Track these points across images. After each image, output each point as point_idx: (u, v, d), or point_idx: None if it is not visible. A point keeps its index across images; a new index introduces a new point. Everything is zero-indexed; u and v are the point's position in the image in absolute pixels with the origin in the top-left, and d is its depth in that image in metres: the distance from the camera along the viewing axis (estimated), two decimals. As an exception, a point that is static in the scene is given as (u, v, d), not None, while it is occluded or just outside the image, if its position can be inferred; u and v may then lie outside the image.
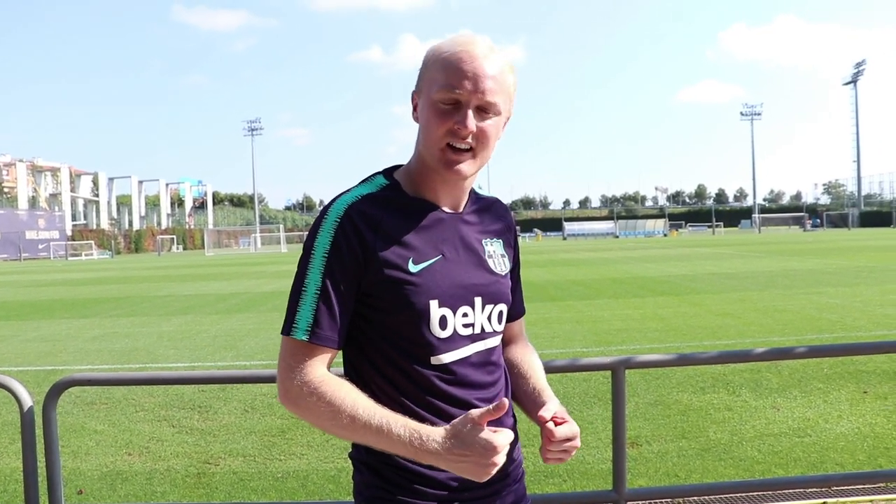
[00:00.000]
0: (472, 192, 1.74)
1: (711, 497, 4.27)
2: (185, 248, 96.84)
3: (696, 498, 4.24)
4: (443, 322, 1.58)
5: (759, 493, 4.25)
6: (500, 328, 1.71)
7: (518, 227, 1.94)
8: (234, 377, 5.20)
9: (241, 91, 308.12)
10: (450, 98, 1.53)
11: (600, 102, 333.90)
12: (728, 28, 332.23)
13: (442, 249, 1.61)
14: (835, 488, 4.22)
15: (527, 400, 1.75)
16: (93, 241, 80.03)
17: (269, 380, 3.82)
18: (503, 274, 1.72)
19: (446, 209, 1.66)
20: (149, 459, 5.58)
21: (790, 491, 4.20)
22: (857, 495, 4.17)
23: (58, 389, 3.27)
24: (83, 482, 5.09)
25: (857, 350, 4.75)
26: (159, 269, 38.22)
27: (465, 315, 1.61)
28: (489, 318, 1.67)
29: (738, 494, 4.28)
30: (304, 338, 1.53)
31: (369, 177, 1.69)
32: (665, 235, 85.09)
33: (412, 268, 1.57)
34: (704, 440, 5.58)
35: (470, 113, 1.53)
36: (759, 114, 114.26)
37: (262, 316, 14.60)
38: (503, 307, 1.71)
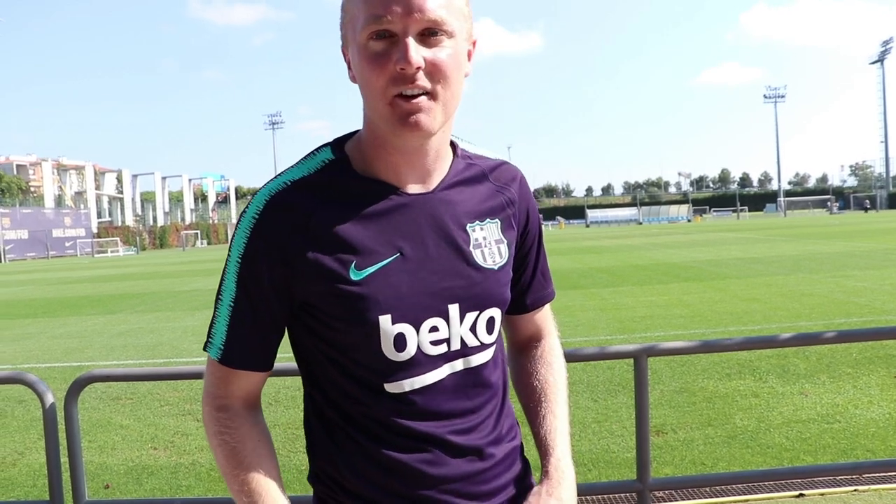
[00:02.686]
0: (457, 156, 1.32)
1: (738, 485, 4.20)
2: (209, 243, 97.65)
3: (722, 486, 4.17)
4: (399, 342, 1.22)
5: (788, 480, 4.17)
6: (491, 339, 1.31)
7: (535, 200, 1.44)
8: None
9: (260, 85, 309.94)
10: (379, 31, 1.13)
11: (621, 87, 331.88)
12: (749, 9, 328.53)
13: (400, 245, 1.22)
14: (866, 476, 4.13)
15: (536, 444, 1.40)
16: (118, 238, 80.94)
17: (293, 373, 3.82)
18: (496, 267, 1.30)
19: (410, 189, 1.25)
20: (174, 454, 5.61)
21: (819, 479, 4.11)
22: (890, 482, 4.08)
23: (78, 386, 3.28)
24: (109, 477, 5.13)
25: (888, 334, 4.63)
26: (184, 264, 38.53)
27: (433, 330, 1.24)
28: (473, 329, 1.28)
29: (765, 482, 4.20)
30: (216, 357, 1.28)
31: (313, 151, 1.29)
32: (689, 221, 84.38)
33: (354, 274, 1.20)
34: (731, 427, 5.51)
35: (411, 42, 1.12)
36: (782, 96, 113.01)
37: (285, 309, 14.63)
38: (495, 312, 1.31)
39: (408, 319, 1.22)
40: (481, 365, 1.31)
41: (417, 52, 1.12)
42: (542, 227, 1.48)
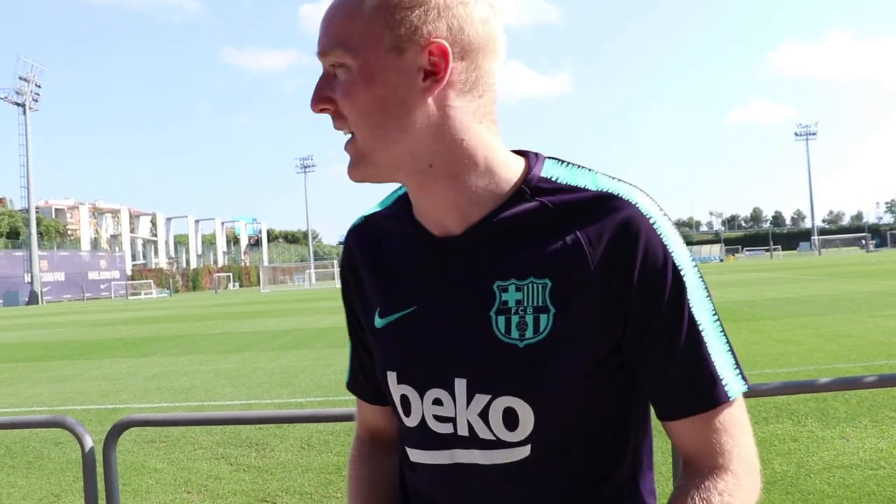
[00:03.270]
0: (527, 187, 1.00)
1: (780, 533, 4.09)
2: (241, 286, 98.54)
3: (764, 534, 4.07)
4: (405, 404, 1.08)
5: (831, 528, 4.06)
6: (513, 436, 0.99)
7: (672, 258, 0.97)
8: (290, 416, 5.21)
9: (292, 129, 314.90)
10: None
11: (651, 127, 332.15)
12: (777, 47, 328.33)
13: (419, 297, 1.06)
14: (912, 523, 4.02)
15: None
16: (152, 280, 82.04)
17: (325, 419, 3.83)
18: (521, 344, 0.97)
19: (445, 231, 1.03)
20: (207, 497, 5.62)
21: (864, 527, 4.00)
22: (937, 531, 3.96)
23: (117, 431, 3.32)
24: (144, 521, 5.14)
25: (930, 377, 4.54)
26: (216, 307, 38.88)
27: (437, 402, 1.03)
28: (486, 418, 1.00)
29: (808, 530, 4.09)
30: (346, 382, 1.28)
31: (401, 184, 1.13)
32: (721, 261, 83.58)
33: (377, 322, 1.10)
34: (770, 473, 5.39)
35: (320, 81, 0.97)
36: (813, 133, 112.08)
37: (317, 352, 14.69)
38: (514, 402, 0.98)
39: (411, 382, 1.06)
40: (500, 468, 1.01)
41: (317, 90, 0.97)
42: (685, 293, 0.97)
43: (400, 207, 1.11)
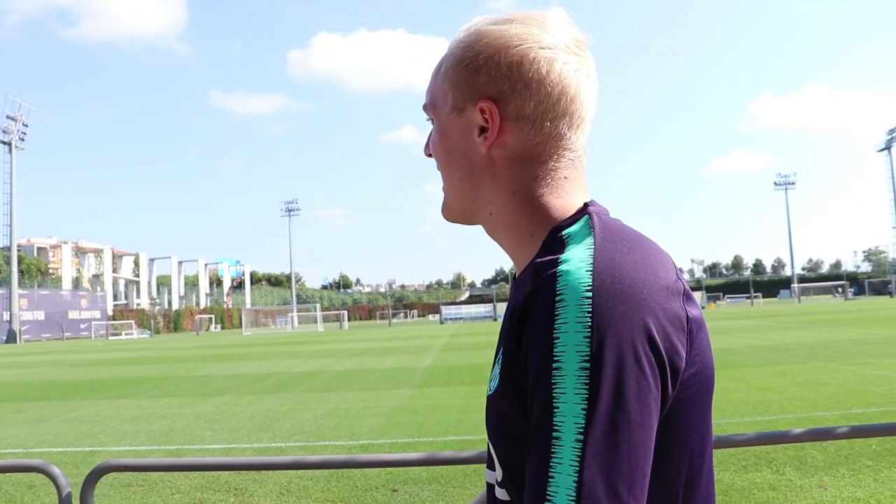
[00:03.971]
0: (546, 242, 1.01)
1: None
2: (223, 328, 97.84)
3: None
4: None
5: (808, 578, 4.09)
6: (495, 475, 1.04)
7: (558, 319, 0.87)
8: (269, 464, 5.19)
9: (277, 172, 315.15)
10: None
11: (631, 176, 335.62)
12: (757, 98, 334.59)
13: None
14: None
15: None
16: (133, 321, 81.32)
17: (305, 466, 3.83)
18: (489, 391, 1.02)
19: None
20: (184, 544, 5.55)
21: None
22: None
23: (95, 475, 3.31)
24: (119, 568, 5.07)
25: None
26: (197, 349, 38.54)
27: None
28: (489, 448, 1.07)
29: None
30: None
31: None
32: (703, 308, 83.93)
33: None
34: (749, 522, 5.41)
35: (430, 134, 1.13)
36: (792, 183, 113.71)
37: (298, 396, 14.60)
38: (491, 443, 1.03)
39: None
40: (501, 499, 1.03)
41: (427, 140, 1.13)
42: (550, 388, 0.85)
43: None
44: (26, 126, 78.96)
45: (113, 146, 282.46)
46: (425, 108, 1.10)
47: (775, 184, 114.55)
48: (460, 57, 1.05)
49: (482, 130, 1.04)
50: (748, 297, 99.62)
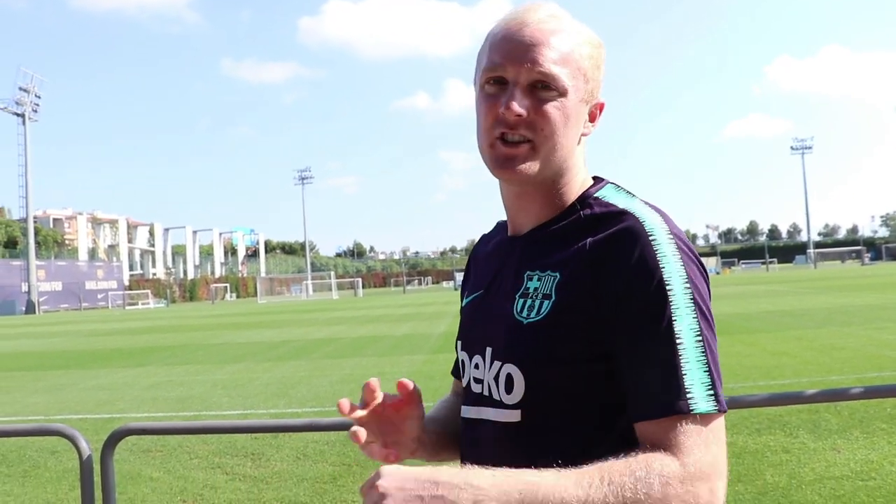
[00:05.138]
0: (578, 202, 1.24)
1: (769, 543, 4.13)
2: (238, 296, 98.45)
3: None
4: (463, 367, 1.34)
5: (820, 538, 4.10)
6: (508, 399, 1.18)
7: (661, 268, 1.08)
8: (285, 426, 5.27)
9: (290, 141, 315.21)
10: (494, 77, 1.19)
11: (649, 142, 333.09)
12: (773, 62, 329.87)
13: (488, 283, 1.32)
14: (899, 534, 4.06)
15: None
16: (149, 291, 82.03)
17: (321, 428, 3.88)
18: (524, 321, 1.17)
19: (511, 233, 1.32)
20: (203, 507, 5.65)
21: (852, 537, 4.03)
22: (924, 541, 4.01)
23: (115, 439, 3.36)
24: (139, 530, 5.17)
25: (918, 389, 4.60)
26: (213, 318, 38.87)
27: (476, 367, 1.28)
28: (496, 380, 1.21)
29: (797, 540, 4.13)
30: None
31: None
32: (718, 273, 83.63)
33: (463, 301, 1.42)
34: (761, 484, 5.44)
35: (518, 92, 1.16)
36: (809, 147, 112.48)
37: (313, 363, 14.73)
38: (512, 369, 1.18)
39: (466, 349, 1.33)
40: (501, 426, 1.19)
41: (522, 102, 1.16)
42: (668, 308, 1.06)
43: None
44: (39, 97, 79.05)
45: (126, 116, 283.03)
46: (555, 80, 1.17)
47: (792, 148, 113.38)
48: (594, 55, 1.24)
49: (591, 118, 1.27)
50: (763, 263, 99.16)
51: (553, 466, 1.00)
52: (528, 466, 1.05)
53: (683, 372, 1.03)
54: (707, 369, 1.05)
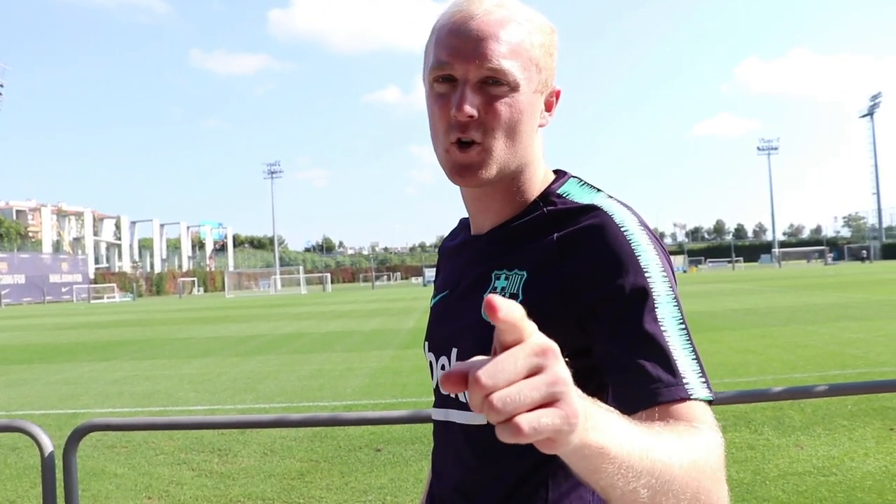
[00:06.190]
0: (541, 199, 1.21)
1: (734, 538, 4.18)
2: (205, 291, 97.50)
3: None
4: (431, 369, 1.33)
5: (783, 534, 4.16)
6: None
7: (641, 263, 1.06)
8: (252, 421, 5.22)
9: (260, 134, 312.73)
10: (442, 75, 1.13)
11: (617, 138, 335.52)
12: (742, 63, 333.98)
13: (454, 283, 1.30)
14: (860, 529, 4.13)
15: None
16: (115, 284, 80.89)
17: (288, 424, 3.84)
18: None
19: (479, 230, 1.28)
20: (168, 503, 5.59)
21: (814, 532, 4.10)
22: (884, 536, 4.08)
23: (77, 435, 3.30)
24: (103, 527, 5.09)
25: (879, 388, 4.69)
26: (180, 312, 38.45)
27: (443, 368, 1.26)
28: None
29: (761, 536, 4.19)
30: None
31: None
32: (684, 272, 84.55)
33: (431, 301, 1.39)
34: (726, 479, 5.49)
35: (468, 90, 1.10)
36: (775, 148, 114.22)
37: (281, 358, 14.63)
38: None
39: (433, 350, 1.31)
40: (467, 428, 1.19)
41: (472, 101, 1.10)
42: (648, 293, 1.04)
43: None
44: (2, 86, 77.58)
45: (93, 107, 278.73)
46: (505, 75, 1.11)
47: (758, 149, 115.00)
48: (546, 43, 1.17)
49: (547, 108, 1.22)
50: (729, 262, 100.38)
51: (519, 470, 1.01)
52: (494, 469, 1.10)
53: (674, 358, 0.99)
54: (695, 357, 1.02)
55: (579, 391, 0.69)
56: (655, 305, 1.03)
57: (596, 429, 0.71)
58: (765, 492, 5.21)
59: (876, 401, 7.59)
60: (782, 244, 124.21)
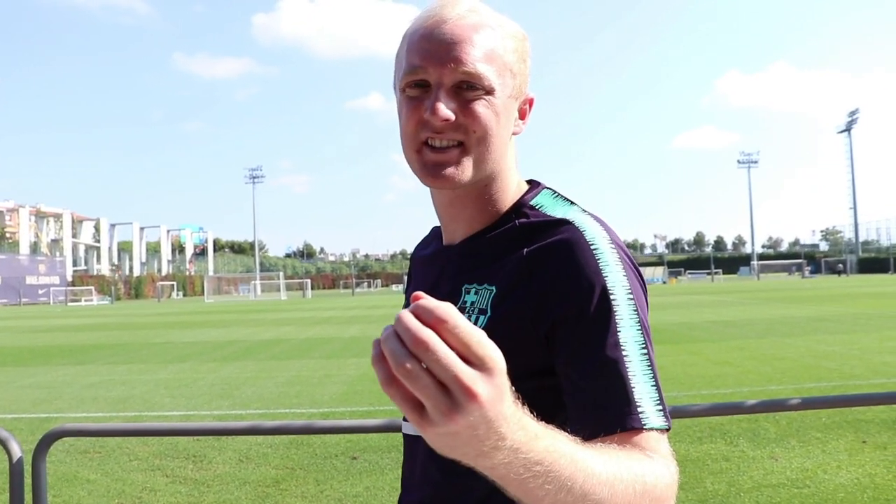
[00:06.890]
0: (513, 211, 1.20)
1: (707, 550, 4.20)
2: (185, 295, 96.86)
3: (691, 551, 4.18)
4: None
5: (756, 546, 4.19)
6: None
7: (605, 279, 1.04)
8: (228, 429, 5.17)
9: (242, 138, 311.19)
10: (415, 80, 1.11)
11: (598, 150, 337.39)
12: (723, 75, 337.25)
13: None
14: (832, 541, 4.16)
15: None
16: (93, 287, 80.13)
17: (264, 431, 3.81)
18: None
19: (445, 242, 1.27)
20: (140, 510, 5.52)
21: (787, 544, 4.13)
22: (855, 549, 4.11)
23: (48, 440, 3.26)
24: (73, 534, 5.03)
25: (852, 402, 4.75)
26: (159, 316, 38.14)
27: None
28: None
29: (734, 547, 4.21)
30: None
31: None
32: (664, 283, 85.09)
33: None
34: (702, 491, 5.53)
35: (442, 94, 1.09)
36: (755, 161, 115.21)
37: (259, 364, 14.54)
38: None
39: None
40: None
41: (447, 105, 1.09)
42: (612, 315, 1.02)
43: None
44: (-18, 85, 76.74)
45: (74, 108, 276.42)
46: (481, 80, 1.10)
47: (738, 162, 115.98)
48: (519, 49, 1.17)
49: (521, 115, 1.22)
50: (709, 273, 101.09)
51: (485, 487, 0.93)
52: (459, 485, 1.10)
53: (632, 385, 0.98)
54: (654, 383, 1.00)
55: (512, 397, 0.73)
56: (618, 329, 1.01)
57: (524, 430, 0.74)
58: (739, 503, 5.23)
59: (849, 413, 7.66)
60: (761, 256, 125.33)
